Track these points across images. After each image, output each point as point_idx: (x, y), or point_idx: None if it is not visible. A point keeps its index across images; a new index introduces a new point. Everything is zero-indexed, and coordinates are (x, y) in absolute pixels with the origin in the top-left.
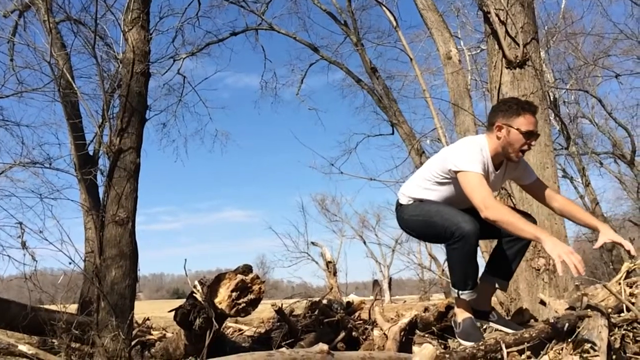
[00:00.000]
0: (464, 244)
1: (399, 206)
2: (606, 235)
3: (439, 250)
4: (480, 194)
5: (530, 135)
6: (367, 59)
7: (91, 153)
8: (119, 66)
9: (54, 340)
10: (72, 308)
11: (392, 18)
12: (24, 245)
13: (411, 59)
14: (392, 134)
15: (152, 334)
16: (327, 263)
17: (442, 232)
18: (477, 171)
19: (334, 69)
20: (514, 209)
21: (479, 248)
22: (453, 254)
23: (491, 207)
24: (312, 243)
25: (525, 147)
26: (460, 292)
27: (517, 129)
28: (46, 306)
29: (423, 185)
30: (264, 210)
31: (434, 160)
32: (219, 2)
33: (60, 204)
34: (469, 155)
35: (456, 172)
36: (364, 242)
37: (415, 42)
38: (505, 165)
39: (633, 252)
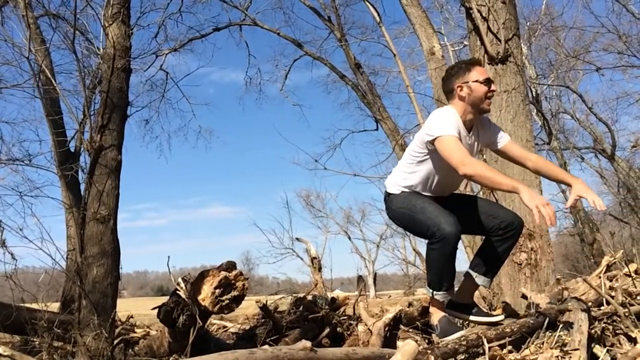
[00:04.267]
0: (444, 245)
1: (387, 196)
2: (576, 191)
3: (424, 246)
4: (457, 153)
5: (489, 82)
6: (351, 54)
7: (72, 150)
8: (100, 62)
9: (35, 340)
10: (54, 306)
11: (375, 14)
12: (3, 243)
13: (395, 55)
14: (377, 129)
15: (135, 332)
16: (312, 259)
17: (424, 230)
18: (452, 133)
19: (318, 65)
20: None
21: (461, 242)
22: (431, 254)
23: (468, 164)
24: (297, 239)
25: (490, 94)
26: (434, 292)
27: (476, 81)
28: (28, 305)
29: (407, 170)
30: (249, 207)
31: (412, 142)
32: None
33: (41, 201)
34: (441, 121)
35: (433, 142)
36: (349, 238)
37: (399, 37)
38: (477, 129)
39: (600, 208)
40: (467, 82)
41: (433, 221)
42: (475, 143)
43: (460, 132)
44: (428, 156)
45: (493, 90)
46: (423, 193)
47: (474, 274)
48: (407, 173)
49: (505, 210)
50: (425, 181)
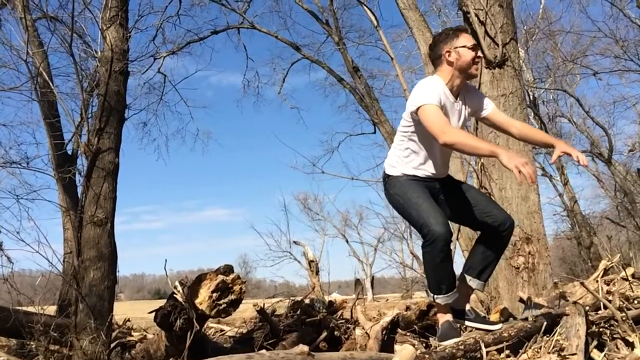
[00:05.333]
0: (434, 247)
1: (386, 177)
2: (560, 148)
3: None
4: (437, 122)
5: (476, 47)
6: (348, 58)
7: (69, 153)
8: (97, 65)
9: (31, 343)
10: (51, 310)
11: (373, 17)
12: (0, 246)
13: (392, 58)
14: (374, 132)
15: (132, 335)
16: (310, 262)
17: (416, 227)
18: (432, 102)
19: (316, 68)
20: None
21: (459, 246)
22: (425, 257)
23: (448, 132)
24: (295, 242)
25: (477, 59)
26: (435, 296)
27: (463, 46)
28: (24, 308)
29: (401, 147)
30: (247, 209)
31: (401, 121)
32: (200, 0)
33: (38, 204)
34: (422, 91)
35: (417, 112)
36: (347, 241)
37: (396, 41)
38: (464, 96)
39: (583, 163)
40: (455, 48)
41: (425, 220)
42: (463, 108)
43: (444, 99)
44: (414, 131)
45: (480, 57)
46: (420, 170)
47: (467, 278)
48: (401, 150)
49: (500, 210)
50: (418, 156)
